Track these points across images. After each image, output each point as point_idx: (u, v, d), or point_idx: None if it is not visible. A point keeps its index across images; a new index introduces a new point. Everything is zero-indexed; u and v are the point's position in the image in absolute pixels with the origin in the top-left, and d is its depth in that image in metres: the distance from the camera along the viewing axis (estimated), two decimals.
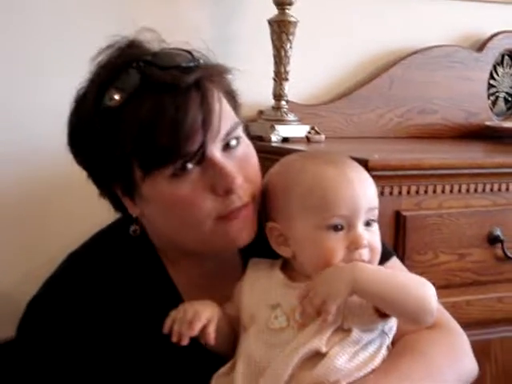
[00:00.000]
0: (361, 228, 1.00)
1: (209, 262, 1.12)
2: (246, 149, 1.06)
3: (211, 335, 0.99)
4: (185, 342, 0.98)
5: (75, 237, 1.17)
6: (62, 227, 1.69)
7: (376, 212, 1.04)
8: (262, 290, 1.03)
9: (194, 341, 1.00)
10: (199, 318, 0.99)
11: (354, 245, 1.00)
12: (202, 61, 1.05)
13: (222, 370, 1.01)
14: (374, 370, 0.97)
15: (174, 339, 0.98)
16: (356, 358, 0.97)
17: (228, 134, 1.03)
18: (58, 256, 1.14)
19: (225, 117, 1.02)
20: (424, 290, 0.98)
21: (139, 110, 0.98)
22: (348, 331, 0.97)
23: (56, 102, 1.66)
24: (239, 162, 1.03)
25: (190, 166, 1.00)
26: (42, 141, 1.69)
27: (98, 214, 1.19)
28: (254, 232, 1.06)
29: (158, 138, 0.98)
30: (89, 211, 1.58)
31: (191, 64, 1.03)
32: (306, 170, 1.03)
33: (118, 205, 1.09)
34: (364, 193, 1.02)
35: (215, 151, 1.01)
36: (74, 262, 1.12)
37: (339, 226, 1.00)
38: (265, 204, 1.06)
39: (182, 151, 0.98)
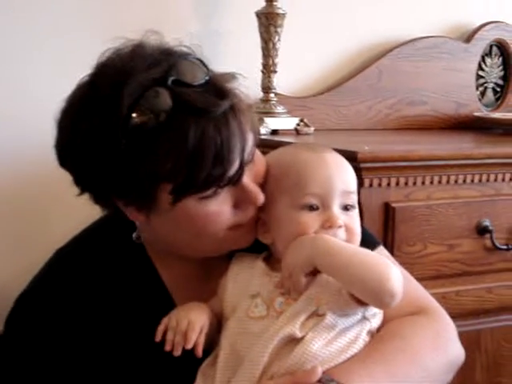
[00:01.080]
0: (336, 209, 1.02)
1: (198, 261, 1.11)
2: (258, 158, 1.06)
3: (200, 347, 0.99)
4: (178, 352, 0.98)
5: (69, 233, 1.16)
6: (56, 223, 1.69)
7: (354, 197, 1.04)
8: (244, 281, 1.04)
9: None
10: (193, 328, 0.99)
11: (328, 223, 1.00)
12: (209, 68, 1.02)
13: (207, 361, 1.02)
14: (353, 356, 0.98)
15: (168, 348, 0.98)
16: (334, 344, 0.97)
17: (251, 154, 1.03)
18: (49, 253, 1.14)
19: (251, 137, 1.03)
20: (384, 269, 0.96)
21: (181, 134, 0.94)
22: (322, 316, 0.97)
23: (54, 98, 1.69)
24: (255, 173, 1.04)
25: (220, 190, 0.99)
26: (38, 136, 1.68)
27: (93, 209, 1.20)
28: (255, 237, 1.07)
29: (203, 165, 0.95)
30: (84, 207, 1.59)
31: (207, 77, 0.99)
32: (285, 154, 1.08)
33: (115, 213, 1.05)
34: (339, 175, 1.03)
35: (245, 175, 1.02)
36: (61, 258, 1.12)
37: (314, 206, 1.01)
38: None
39: (223, 179, 0.98)
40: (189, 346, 0.98)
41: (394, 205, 1.51)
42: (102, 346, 1.04)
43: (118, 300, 1.06)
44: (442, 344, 1.09)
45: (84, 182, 1.02)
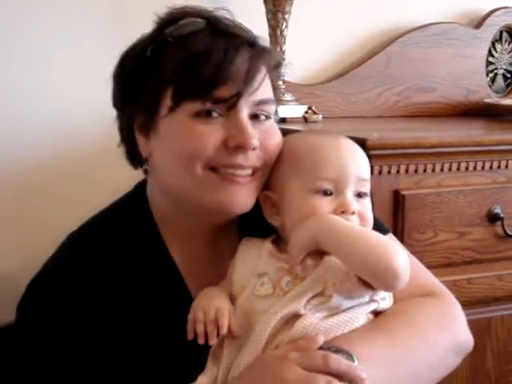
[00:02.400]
0: (349, 195, 1.02)
1: (208, 240, 1.12)
2: (272, 127, 1.09)
3: (234, 327, 1.00)
4: (214, 341, 0.99)
5: (75, 223, 1.16)
6: (62, 214, 1.69)
7: (367, 185, 1.05)
8: (251, 262, 1.05)
9: (182, 320, 1.02)
10: (222, 314, 1.00)
11: (340, 208, 1.01)
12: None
13: (216, 342, 1.02)
14: (354, 330, 0.98)
15: (201, 341, 0.99)
16: (335, 317, 0.97)
17: (261, 103, 1.06)
18: (57, 242, 1.14)
19: (264, 86, 1.06)
20: (389, 249, 0.95)
21: (194, 44, 1.03)
22: (328, 297, 0.97)
23: (53, 98, 1.69)
24: (262, 133, 1.06)
25: (215, 114, 1.03)
26: (39, 132, 1.70)
27: (96, 200, 1.19)
28: (251, 202, 1.06)
29: (201, 69, 1.01)
30: (87, 198, 1.59)
31: (253, 35, 1.08)
32: (301, 138, 1.10)
33: (130, 150, 1.11)
34: (354, 161, 1.04)
35: (244, 109, 1.04)
36: (74, 241, 1.12)
37: (328, 191, 1.02)
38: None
39: (215, 92, 1.01)
40: (224, 331, 0.98)
41: (403, 192, 1.50)
42: (115, 330, 1.04)
43: (131, 283, 1.07)
44: (448, 324, 1.09)
45: (117, 96, 1.11)
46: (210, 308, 1.00)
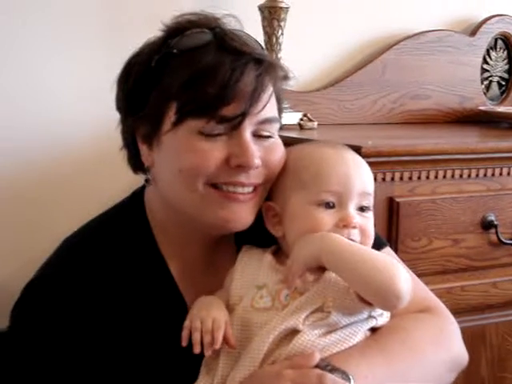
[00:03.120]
0: (352, 209, 1.02)
1: (204, 249, 1.12)
2: (274, 143, 1.08)
3: (231, 340, 0.99)
4: (209, 352, 0.98)
5: (72, 229, 1.16)
6: (58, 219, 1.68)
7: (371, 199, 1.04)
8: (251, 273, 1.05)
9: (177, 330, 1.01)
10: (219, 326, 0.99)
11: (342, 222, 1.00)
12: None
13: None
14: (351, 346, 0.98)
15: (197, 351, 0.98)
16: (333, 334, 0.97)
17: (265, 122, 1.05)
18: (53, 248, 1.13)
19: (270, 105, 1.05)
20: (392, 271, 0.95)
21: (199, 58, 1.02)
22: (327, 313, 0.97)
23: (51, 100, 1.69)
24: (264, 150, 1.05)
25: (219, 132, 1.02)
26: (35, 137, 1.70)
27: (93, 205, 1.19)
28: (252, 219, 1.06)
29: (206, 87, 1.00)
30: (84, 203, 1.59)
31: (260, 51, 1.07)
32: (305, 150, 1.09)
33: (132, 156, 1.11)
34: (358, 175, 1.03)
35: (248, 128, 1.03)
36: (69, 246, 1.12)
37: (331, 204, 1.01)
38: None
39: (220, 110, 1.00)
40: (218, 346, 0.98)
41: (398, 199, 1.50)
42: (109, 337, 1.04)
43: (126, 290, 1.06)
44: (445, 340, 1.09)
45: (121, 102, 1.10)
46: (208, 318, 1.00)
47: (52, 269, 1.09)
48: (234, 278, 1.06)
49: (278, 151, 1.08)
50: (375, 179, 1.46)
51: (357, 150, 1.40)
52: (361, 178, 1.04)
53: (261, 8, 1.76)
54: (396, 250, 1.47)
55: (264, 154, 1.05)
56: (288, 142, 1.62)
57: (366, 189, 1.03)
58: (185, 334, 1.00)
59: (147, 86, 1.04)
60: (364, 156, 1.40)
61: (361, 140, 1.49)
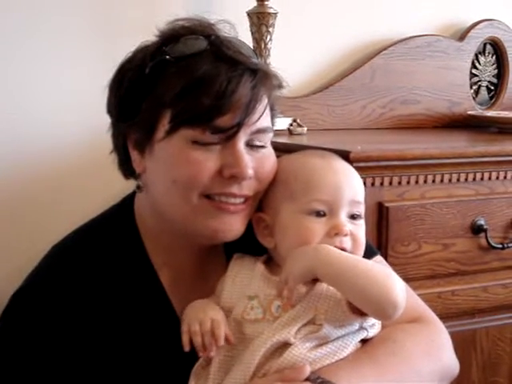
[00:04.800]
0: (343, 217, 1.01)
1: (193, 257, 1.12)
2: (267, 154, 1.08)
3: (231, 337, 0.99)
4: (213, 352, 0.98)
5: (66, 232, 1.16)
6: (48, 224, 1.68)
7: (361, 207, 1.04)
8: (242, 283, 1.04)
9: (175, 332, 1.02)
10: (218, 325, 0.99)
11: (334, 230, 1.00)
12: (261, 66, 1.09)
13: (199, 363, 1.02)
14: (342, 359, 0.98)
15: (201, 354, 0.99)
16: (323, 347, 0.97)
17: (259, 131, 1.05)
18: (45, 252, 1.14)
19: (264, 115, 1.05)
20: (388, 281, 0.96)
21: (195, 67, 1.01)
22: (319, 326, 0.97)
23: (50, 102, 1.69)
24: (257, 161, 1.05)
25: (213, 140, 1.01)
26: (35, 139, 1.70)
27: (86, 210, 1.19)
28: (242, 229, 1.06)
29: (202, 97, 0.99)
30: (77, 208, 1.58)
31: (255, 60, 1.07)
32: (295, 159, 1.09)
33: (123, 161, 1.10)
34: (348, 183, 1.03)
35: (242, 138, 1.03)
36: (58, 253, 1.11)
37: (321, 213, 1.01)
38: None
39: (216, 121, 1.00)
40: (221, 343, 0.98)
41: (387, 204, 1.50)
42: (98, 344, 1.03)
43: (115, 297, 1.06)
44: (436, 351, 1.09)
45: (113, 107, 1.09)
46: (206, 319, 1.00)
47: (40, 277, 1.09)
48: (224, 288, 1.05)
49: (270, 162, 1.07)
50: (364, 184, 1.45)
51: (346, 154, 1.41)
52: (351, 186, 1.04)
53: (249, 14, 1.76)
54: (386, 255, 1.47)
55: (256, 164, 1.04)
56: (278, 148, 1.62)
57: (356, 197, 1.04)
58: (185, 339, 1.00)
59: (140, 93, 1.04)
60: (353, 161, 1.41)
61: (350, 145, 1.49)
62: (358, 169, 1.41)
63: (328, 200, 1.01)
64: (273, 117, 1.11)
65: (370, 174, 1.47)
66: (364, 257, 1.03)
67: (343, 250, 1.00)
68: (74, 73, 1.71)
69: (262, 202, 1.08)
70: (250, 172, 1.02)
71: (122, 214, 1.14)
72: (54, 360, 1.02)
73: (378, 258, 1.18)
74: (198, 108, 1.00)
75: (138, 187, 1.11)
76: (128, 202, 1.15)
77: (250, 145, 1.04)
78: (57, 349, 1.02)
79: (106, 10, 1.73)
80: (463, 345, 1.58)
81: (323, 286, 0.99)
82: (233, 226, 1.04)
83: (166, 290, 1.10)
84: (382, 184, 1.50)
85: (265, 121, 1.05)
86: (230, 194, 1.03)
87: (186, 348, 0.99)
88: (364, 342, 1.03)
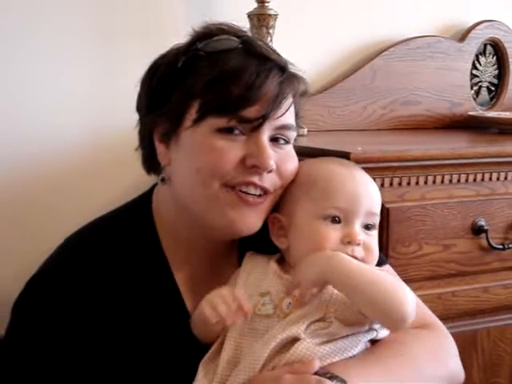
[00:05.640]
0: (357, 226, 1.02)
1: (208, 254, 1.13)
2: (290, 152, 1.10)
3: (246, 306, 1.00)
4: (240, 319, 0.99)
5: (67, 234, 1.16)
6: (50, 226, 1.68)
7: (377, 219, 1.05)
8: (255, 281, 1.05)
9: (186, 330, 1.03)
10: (238, 295, 1.00)
11: (347, 238, 1.01)
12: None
13: (208, 355, 1.02)
14: (351, 357, 0.99)
15: (229, 322, 0.99)
16: (332, 344, 0.97)
17: (283, 127, 1.07)
18: (43, 256, 1.13)
19: (289, 112, 1.07)
20: (399, 293, 0.97)
21: (226, 61, 1.04)
22: (329, 323, 0.98)
23: (50, 103, 1.69)
24: (279, 156, 1.07)
25: (238, 132, 1.04)
26: (36, 141, 1.70)
27: (88, 212, 1.19)
28: (259, 224, 1.07)
29: (231, 87, 1.02)
30: (79, 209, 1.59)
31: (285, 60, 1.10)
32: (316, 164, 1.10)
33: (148, 156, 1.12)
34: (367, 194, 1.04)
35: (266, 131, 1.05)
36: (73, 243, 1.12)
37: (337, 219, 1.02)
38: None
39: (242, 111, 1.02)
40: (247, 308, 0.98)
41: (388, 205, 1.50)
42: (110, 335, 1.04)
43: (129, 291, 1.06)
44: (442, 357, 1.10)
45: (143, 102, 1.11)
46: (226, 293, 1.00)
47: (55, 264, 1.09)
48: (237, 285, 1.06)
49: (293, 161, 1.10)
50: None
51: (346, 156, 1.41)
52: (369, 197, 1.05)
53: (250, 15, 1.76)
54: (386, 256, 1.47)
55: (279, 160, 1.06)
56: None
57: (372, 208, 1.05)
58: (208, 311, 0.99)
59: (171, 85, 1.06)
60: (353, 162, 1.41)
61: (350, 146, 1.49)
62: None
63: (345, 208, 1.02)
64: (297, 123, 1.13)
65: (371, 175, 1.45)
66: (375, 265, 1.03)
67: (354, 258, 1.01)
68: (75, 74, 1.71)
69: (279, 202, 1.09)
70: (272, 164, 1.04)
71: (139, 208, 1.15)
72: (66, 347, 1.02)
73: (387, 267, 1.19)
74: (226, 97, 1.02)
75: (163, 179, 1.12)
76: (146, 198, 1.16)
77: (273, 140, 1.07)
78: (70, 336, 1.03)
79: (106, 10, 1.73)
80: (464, 346, 1.58)
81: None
82: (250, 218, 1.06)
83: (179, 287, 1.11)
84: (382, 185, 1.50)
85: (289, 117, 1.08)
86: (250, 183, 1.04)
87: (212, 321, 0.99)
88: (373, 342, 1.04)
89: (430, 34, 2.12)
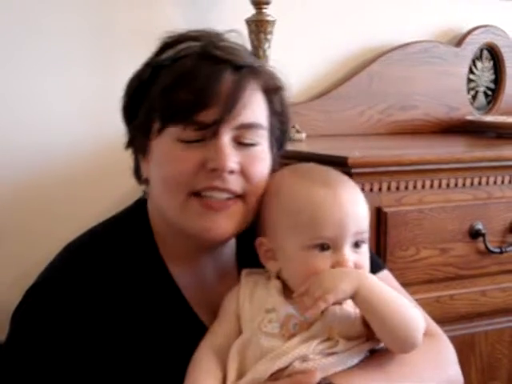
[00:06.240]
0: (347, 250, 1.00)
1: (205, 260, 1.12)
2: (259, 153, 1.06)
3: None
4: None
5: (62, 242, 1.15)
6: (52, 232, 1.68)
7: (365, 234, 1.03)
8: (259, 300, 1.03)
9: (189, 341, 1.02)
10: None
11: (338, 264, 0.99)
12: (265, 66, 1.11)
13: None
14: (353, 366, 0.99)
15: None
16: (333, 356, 0.97)
17: (244, 127, 1.04)
18: (43, 263, 1.13)
19: (250, 110, 1.04)
20: (416, 324, 0.98)
21: (179, 68, 1.04)
22: (335, 342, 0.98)
23: (56, 100, 1.70)
24: (244, 158, 1.04)
25: (197, 137, 1.02)
26: (34, 148, 1.71)
27: (91, 217, 1.19)
28: (236, 229, 1.06)
29: (181, 93, 1.01)
30: (82, 215, 1.59)
31: (254, 63, 1.07)
32: (299, 189, 1.03)
33: (135, 168, 1.13)
34: (353, 216, 1.01)
35: (226, 133, 1.02)
36: (73, 250, 1.11)
37: (325, 246, 1.00)
38: (258, 217, 1.07)
39: (196, 116, 1.01)
40: None
41: (385, 209, 1.51)
42: (111, 343, 1.03)
43: (129, 298, 1.06)
44: (442, 364, 1.10)
45: (122, 117, 1.12)
46: None
47: (55, 272, 1.09)
48: (242, 307, 1.04)
49: (260, 163, 1.06)
50: (363, 190, 1.46)
51: (343, 160, 1.42)
52: (356, 219, 1.01)
53: (248, 21, 1.77)
54: (384, 260, 1.47)
55: (244, 162, 1.04)
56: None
57: (360, 228, 1.02)
58: None
59: (139, 99, 1.07)
60: (351, 167, 1.43)
61: (348, 151, 1.50)
62: (355, 174, 1.44)
63: (333, 236, 1.00)
64: (282, 121, 1.11)
65: (368, 180, 1.48)
66: (370, 271, 1.03)
67: None
68: (80, 82, 1.72)
69: (263, 226, 1.06)
70: (232, 165, 1.02)
71: (136, 215, 1.14)
72: (67, 356, 1.01)
73: (385, 272, 1.19)
74: (178, 104, 1.02)
75: (145, 193, 1.12)
76: (141, 204, 1.15)
77: (238, 142, 1.04)
78: (70, 345, 1.02)
79: (110, 17, 1.75)
80: (462, 348, 1.58)
81: (336, 306, 0.98)
82: (220, 224, 1.04)
83: (183, 293, 1.10)
84: (380, 189, 1.50)
85: (251, 116, 1.04)
86: (214, 188, 1.03)
87: None
88: (373, 350, 1.04)
89: (427, 39, 2.13)
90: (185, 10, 1.82)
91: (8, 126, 1.68)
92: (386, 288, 1.00)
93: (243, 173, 1.04)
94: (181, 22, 1.79)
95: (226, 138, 1.03)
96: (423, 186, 1.55)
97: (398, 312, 0.97)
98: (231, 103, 1.01)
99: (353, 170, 1.43)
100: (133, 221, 1.14)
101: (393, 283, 1.17)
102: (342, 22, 2.03)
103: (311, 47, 1.98)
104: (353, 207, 1.02)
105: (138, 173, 1.13)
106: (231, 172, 1.03)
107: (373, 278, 1.00)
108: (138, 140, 1.08)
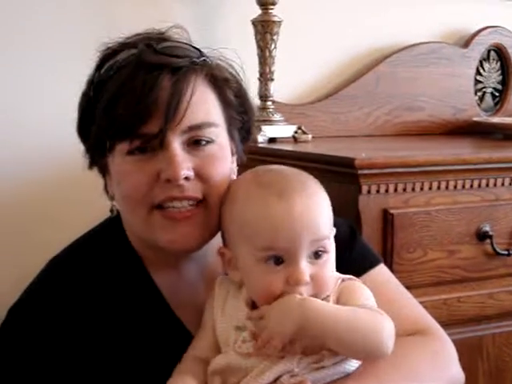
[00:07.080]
0: (303, 262, 0.94)
1: (188, 265, 1.10)
2: (215, 151, 1.02)
3: None
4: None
5: (61, 245, 1.15)
6: (47, 235, 1.68)
7: (325, 242, 0.96)
8: (230, 312, 1.00)
9: (175, 351, 1.00)
10: None
11: (292, 280, 0.94)
12: (210, 60, 1.05)
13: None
14: (345, 375, 0.96)
15: None
16: (324, 370, 0.95)
17: (193, 128, 1.00)
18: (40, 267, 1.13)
19: (196, 109, 1.00)
20: (377, 331, 0.93)
21: (116, 81, 0.99)
22: (321, 356, 0.94)
23: (55, 102, 1.69)
24: (199, 160, 1.00)
25: (146, 149, 0.99)
26: (36, 151, 1.71)
27: (88, 222, 1.19)
28: (203, 235, 1.03)
29: (120, 108, 0.97)
30: (77, 220, 1.58)
31: (196, 59, 1.02)
32: (251, 199, 0.97)
33: (104, 185, 1.10)
34: (307, 225, 0.94)
35: (174, 139, 0.98)
36: (55, 267, 1.10)
37: (280, 259, 0.94)
38: (220, 225, 1.03)
39: (139, 129, 0.97)
40: None
41: (392, 211, 1.50)
42: (96, 359, 1.02)
43: (114, 311, 1.05)
44: (440, 363, 1.07)
45: (80, 136, 1.08)
46: None
47: (35, 291, 1.07)
48: (216, 320, 1.01)
49: (215, 161, 1.02)
50: (369, 191, 1.47)
51: (350, 162, 1.42)
52: (311, 227, 0.94)
53: (254, 22, 1.76)
54: (391, 262, 1.47)
55: (199, 163, 1.00)
56: (283, 155, 1.62)
57: (317, 235, 0.95)
58: None
59: (89, 117, 1.03)
60: (358, 168, 1.42)
61: (355, 152, 1.49)
62: (362, 176, 1.44)
63: (285, 247, 0.93)
64: (243, 111, 1.07)
65: (375, 181, 1.47)
66: (366, 266, 1.01)
67: None
68: (80, 82, 1.71)
69: (223, 233, 1.03)
70: (186, 173, 0.98)
71: (112, 228, 1.12)
72: (50, 375, 1.01)
73: (380, 266, 1.16)
74: (118, 121, 0.98)
75: (111, 211, 1.10)
76: (115, 218, 1.12)
77: (190, 143, 1.00)
78: (54, 364, 1.01)
79: (112, 17, 1.74)
80: (469, 352, 1.58)
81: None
82: (184, 235, 1.01)
83: (166, 298, 1.09)
84: (386, 191, 1.49)
85: (198, 116, 1.00)
86: (173, 198, 0.99)
87: None
88: None
89: (434, 41, 2.12)
90: (191, 11, 1.82)
91: (6, 128, 1.68)
92: (331, 310, 0.93)
93: (200, 176, 1.00)
94: (187, 25, 1.78)
95: (176, 144, 0.98)
96: (430, 188, 1.55)
97: (351, 332, 0.91)
98: (172, 109, 0.97)
99: (359, 172, 1.43)
100: (109, 232, 1.12)
101: (384, 278, 1.14)
102: (349, 23, 2.02)
103: (317, 48, 1.98)
104: (306, 216, 0.94)
105: (106, 189, 1.10)
106: (187, 179, 0.99)
107: (314, 303, 0.92)
108: (96, 159, 1.06)
